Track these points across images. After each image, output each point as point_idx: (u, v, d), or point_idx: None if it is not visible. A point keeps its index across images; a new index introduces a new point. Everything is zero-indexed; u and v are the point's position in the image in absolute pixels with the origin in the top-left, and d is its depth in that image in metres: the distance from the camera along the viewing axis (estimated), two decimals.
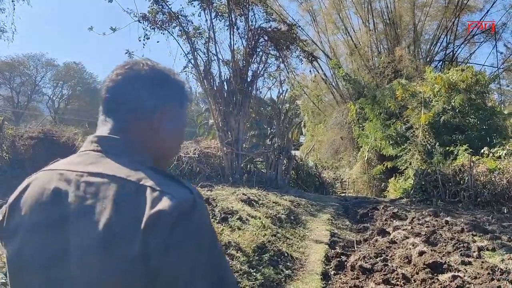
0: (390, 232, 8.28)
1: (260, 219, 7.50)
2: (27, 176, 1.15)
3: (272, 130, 28.89)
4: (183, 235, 0.91)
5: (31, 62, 51.70)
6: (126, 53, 15.64)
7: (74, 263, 0.96)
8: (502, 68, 26.31)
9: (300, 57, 16.45)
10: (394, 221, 9.41)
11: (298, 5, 28.23)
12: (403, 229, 8.28)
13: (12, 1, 16.45)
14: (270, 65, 15.95)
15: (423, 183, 13.49)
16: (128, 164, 1.03)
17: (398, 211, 10.46)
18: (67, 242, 0.97)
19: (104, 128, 1.13)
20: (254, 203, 8.71)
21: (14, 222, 1.07)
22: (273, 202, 9.60)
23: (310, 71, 26.52)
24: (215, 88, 14.62)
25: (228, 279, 1.00)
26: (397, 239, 7.60)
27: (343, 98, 27.50)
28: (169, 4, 14.61)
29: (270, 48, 15.36)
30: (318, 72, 26.79)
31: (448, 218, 9.18)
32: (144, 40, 14.87)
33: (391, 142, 19.48)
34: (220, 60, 15.02)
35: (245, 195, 9.08)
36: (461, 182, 12.97)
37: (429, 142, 17.04)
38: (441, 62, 27.08)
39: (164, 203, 0.92)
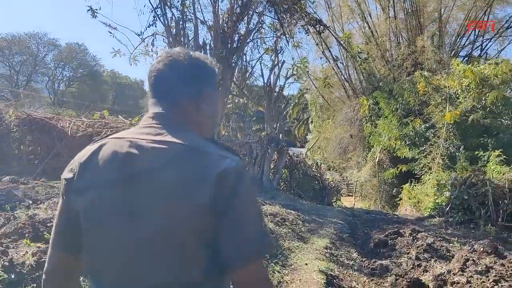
0: (431, 287, 4.85)
1: None
2: None
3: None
4: (243, 188, 1.16)
5: (32, 40, 49.63)
6: (88, 10, 12.54)
7: (147, 212, 1.14)
8: None
9: (306, 26, 12.90)
10: (432, 260, 5.82)
11: None
12: (453, 282, 4.82)
13: None
14: (265, 31, 12.63)
15: (465, 197, 9.60)
16: (187, 136, 1.23)
17: (435, 241, 6.83)
18: (139, 196, 1.15)
19: (156, 107, 1.32)
20: None
21: (86, 179, 1.23)
22: None
23: (322, 65, 23.65)
24: None
25: (266, 227, 1.49)
26: None
27: (356, 93, 24.52)
28: None
29: (266, 10, 11.95)
30: (330, 63, 23.71)
31: None
32: None
33: (407, 143, 17.15)
34: (199, 20, 11.59)
35: None
36: None
37: (453, 144, 14.63)
38: (467, 57, 24.10)
39: (227, 164, 1.17)
